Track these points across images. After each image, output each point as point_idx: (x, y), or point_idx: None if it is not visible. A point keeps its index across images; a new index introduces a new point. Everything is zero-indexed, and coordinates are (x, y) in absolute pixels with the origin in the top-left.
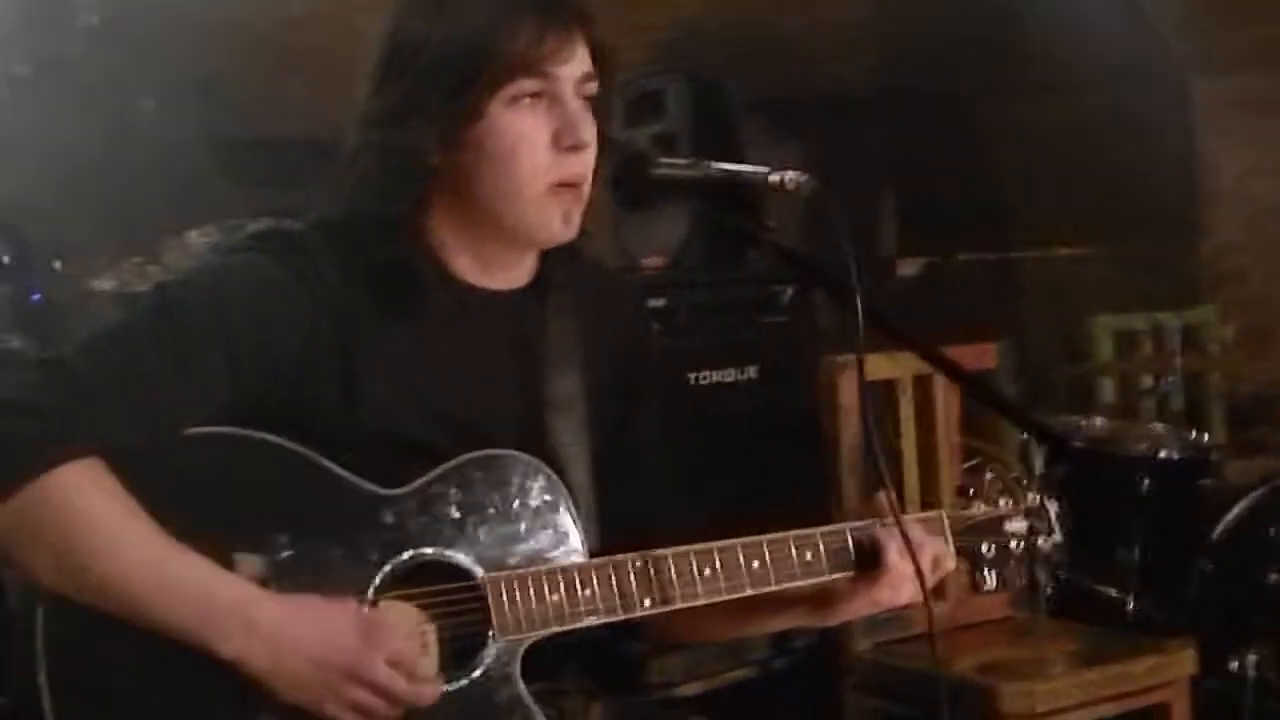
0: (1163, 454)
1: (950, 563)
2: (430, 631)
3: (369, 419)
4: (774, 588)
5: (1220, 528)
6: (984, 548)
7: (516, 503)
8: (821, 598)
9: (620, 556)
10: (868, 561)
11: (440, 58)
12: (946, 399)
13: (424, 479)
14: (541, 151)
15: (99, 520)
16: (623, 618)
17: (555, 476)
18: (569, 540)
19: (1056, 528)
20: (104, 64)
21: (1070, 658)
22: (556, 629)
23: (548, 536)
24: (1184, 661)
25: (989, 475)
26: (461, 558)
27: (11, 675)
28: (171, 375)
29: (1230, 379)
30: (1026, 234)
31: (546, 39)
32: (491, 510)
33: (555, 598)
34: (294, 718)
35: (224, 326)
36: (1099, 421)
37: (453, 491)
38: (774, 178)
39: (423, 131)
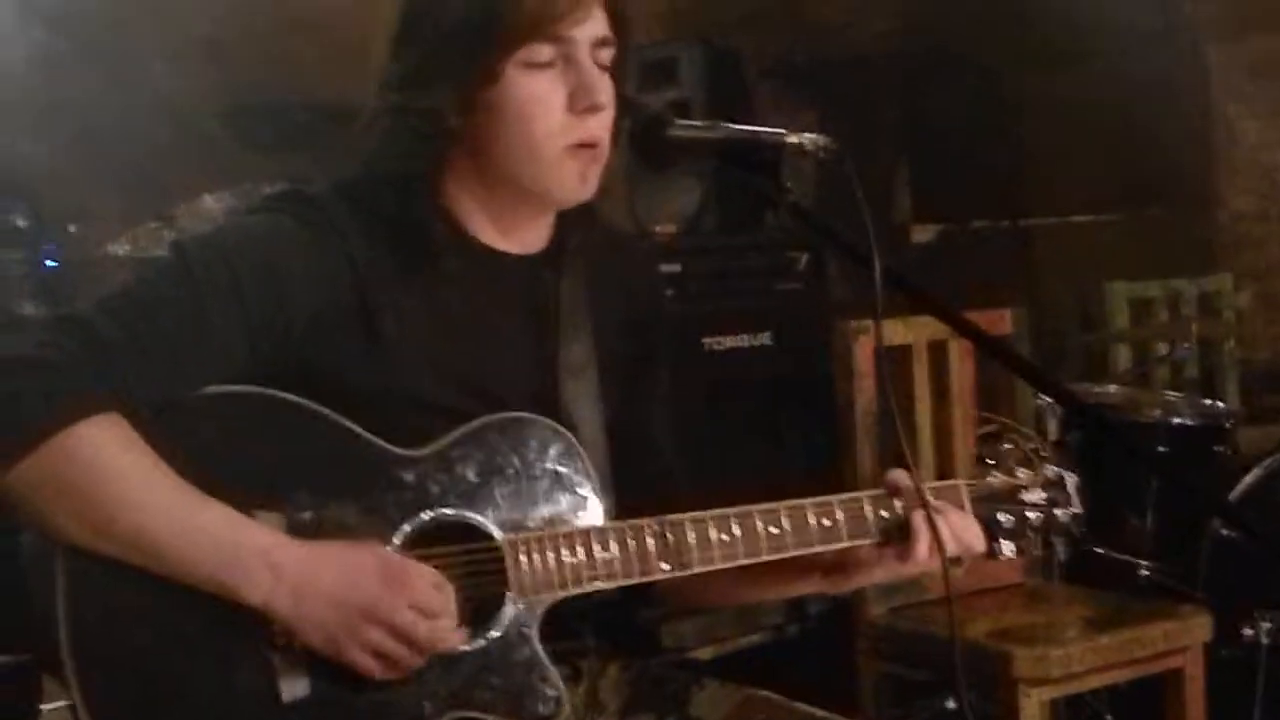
0: (1177, 421)
1: (980, 545)
2: (450, 592)
3: (388, 379)
4: (791, 553)
5: (1234, 494)
6: (1001, 517)
7: (536, 466)
8: (838, 564)
9: (638, 520)
10: (895, 533)
11: (457, 20)
12: (961, 365)
13: (444, 440)
14: (557, 113)
15: (123, 472)
16: (640, 580)
17: (574, 440)
18: (587, 504)
19: (1075, 500)
20: (116, 28)
21: (1084, 623)
22: (574, 591)
23: (566, 499)
24: (1199, 628)
25: (1006, 445)
26: (481, 519)
27: (31, 631)
28: (189, 333)
29: (1245, 346)
30: (1041, 201)
31: (561, 1)
32: (511, 472)
33: (573, 560)
34: (310, 680)
35: (241, 285)
36: (1113, 388)
37: (473, 453)
38: (792, 139)
39: (440, 94)
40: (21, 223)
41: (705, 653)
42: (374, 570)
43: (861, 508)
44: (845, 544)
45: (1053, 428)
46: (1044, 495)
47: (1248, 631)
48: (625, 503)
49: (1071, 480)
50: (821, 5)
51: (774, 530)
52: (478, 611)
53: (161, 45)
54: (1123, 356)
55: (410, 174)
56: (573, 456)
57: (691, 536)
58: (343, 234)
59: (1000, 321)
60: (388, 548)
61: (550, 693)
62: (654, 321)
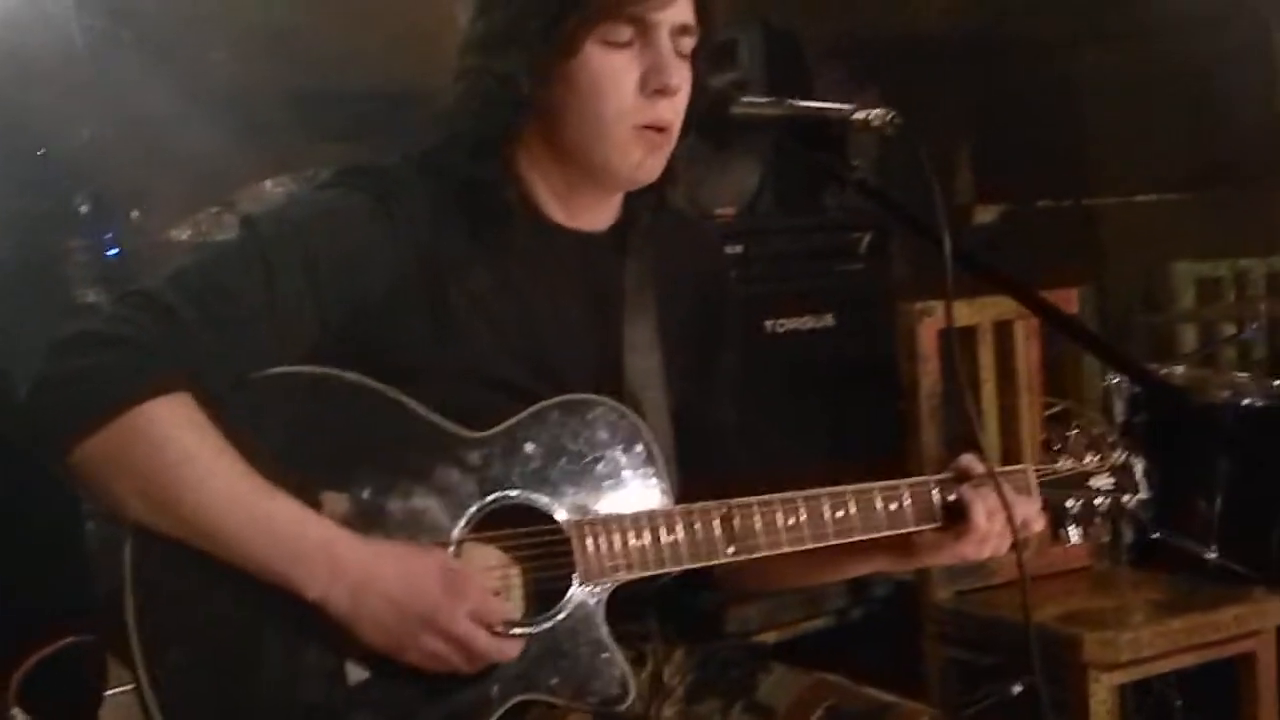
0: (1245, 402)
1: (1039, 524)
2: (515, 575)
3: (455, 356)
4: (858, 538)
5: None
6: (1068, 503)
7: (601, 448)
8: (902, 545)
9: (704, 504)
10: (954, 516)
11: None
12: (1027, 346)
13: (509, 422)
14: (629, 93)
15: (190, 455)
16: (705, 564)
17: (640, 422)
18: (653, 487)
19: (1143, 485)
20: (177, 16)
21: (1153, 607)
22: (640, 574)
23: (632, 482)
24: (1270, 611)
25: (1074, 430)
26: (546, 501)
27: (98, 612)
28: (263, 312)
29: None
30: (1106, 180)
31: None
32: (577, 455)
33: (639, 543)
34: (378, 662)
35: (315, 262)
36: (1180, 369)
37: (538, 435)
38: (859, 115)
39: (518, 59)
40: (84, 209)
41: (769, 637)
42: (436, 577)
43: (929, 492)
44: (912, 529)
45: (1119, 409)
46: (1112, 481)
47: None
48: (690, 486)
49: (1139, 465)
50: None
51: (840, 515)
52: (544, 594)
53: (225, 33)
54: (1189, 337)
55: (483, 135)
56: (639, 438)
57: (758, 521)
58: (413, 208)
59: (1068, 301)
60: (455, 531)
61: (616, 676)
62: (722, 304)
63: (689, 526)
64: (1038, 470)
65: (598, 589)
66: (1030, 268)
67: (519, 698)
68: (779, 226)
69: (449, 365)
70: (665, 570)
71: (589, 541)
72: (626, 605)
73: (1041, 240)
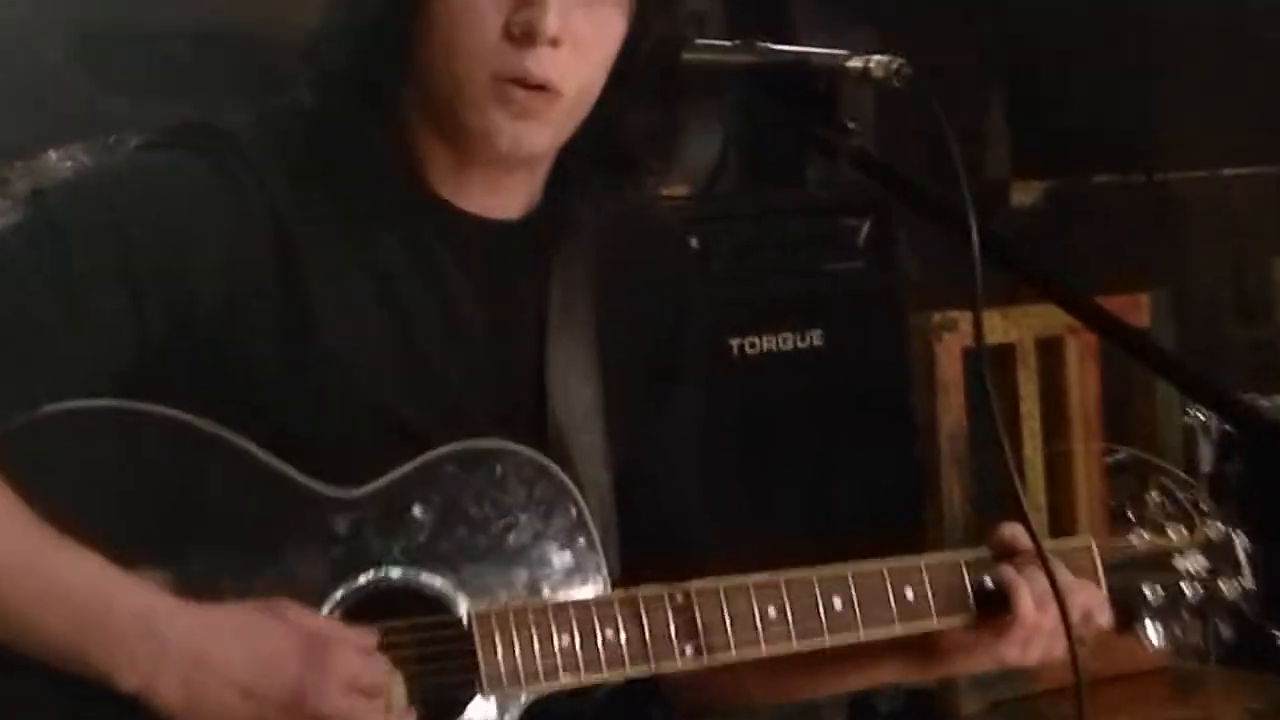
0: None
1: (1105, 617)
2: (398, 682)
3: (317, 376)
4: (861, 637)
5: None
6: (1146, 591)
7: (515, 513)
8: (921, 646)
9: (654, 588)
10: (992, 606)
11: None
12: (1082, 371)
13: (390, 477)
14: (490, 32)
15: None
16: (654, 671)
17: (564, 477)
18: (584, 564)
19: (1246, 568)
20: None
21: (1250, 719)
22: (565, 684)
23: (555, 558)
24: None
25: (1152, 492)
26: (440, 585)
27: None
28: (58, 318)
29: None
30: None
31: None
32: (481, 522)
33: (564, 642)
34: None
35: (126, 251)
36: None
37: (428, 494)
38: (853, 63)
39: None
40: None
41: None
42: (291, 643)
43: (957, 573)
44: (934, 624)
45: (1205, 457)
46: (1204, 562)
47: None
48: (635, 564)
49: (1241, 542)
50: None
51: (838, 604)
52: (435, 707)
53: None
54: None
55: (355, 82)
56: (564, 500)
57: (725, 612)
58: (265, 179)
59: (1136, 310)
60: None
61: None
62: (682, 322)
63: (632, 619)
64: (1102, 547)
65: (509, 704)
66: (1086, 265)
67: None
68: (747, 211)
69: (309, 391)
70: (601, 679)
71: (497, 639)
72: None
73: (1100, 229)
